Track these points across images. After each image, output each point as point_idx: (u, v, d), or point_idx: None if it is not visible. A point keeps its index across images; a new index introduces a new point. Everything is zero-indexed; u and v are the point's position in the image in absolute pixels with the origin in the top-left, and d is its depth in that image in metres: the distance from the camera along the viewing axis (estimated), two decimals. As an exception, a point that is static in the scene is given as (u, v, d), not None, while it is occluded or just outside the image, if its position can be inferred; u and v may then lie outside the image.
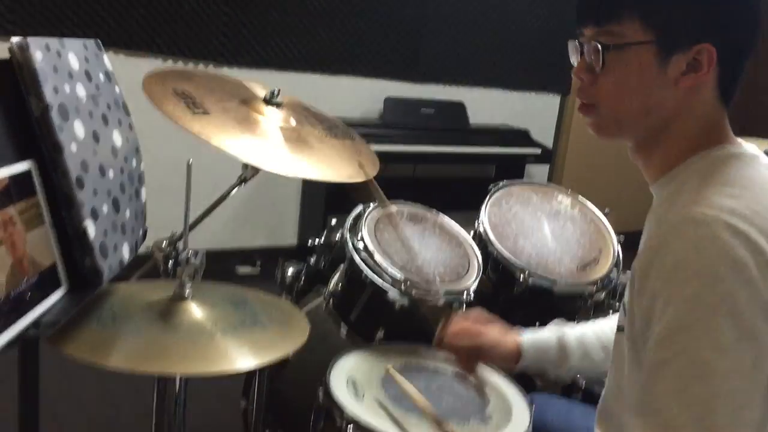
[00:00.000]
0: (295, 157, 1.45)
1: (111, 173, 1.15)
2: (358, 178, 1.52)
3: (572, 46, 1.02)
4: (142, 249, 1.42)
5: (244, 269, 3.87)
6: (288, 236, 4.10)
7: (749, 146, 0.98)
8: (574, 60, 1.02)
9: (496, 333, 1.43)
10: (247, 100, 1.54)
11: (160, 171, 3.47)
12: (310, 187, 4.02)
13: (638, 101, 0.96)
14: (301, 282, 1.79)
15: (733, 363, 0.79)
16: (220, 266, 3.77)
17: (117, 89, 1.25)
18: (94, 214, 1.07)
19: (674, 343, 0.81)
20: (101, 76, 1.19)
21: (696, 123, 0.96)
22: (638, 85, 0.95)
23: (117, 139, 1.19)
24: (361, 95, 4.12)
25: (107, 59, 1.24)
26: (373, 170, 1.58)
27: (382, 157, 1.70)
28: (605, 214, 2.02)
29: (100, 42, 1.23)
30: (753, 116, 1.00)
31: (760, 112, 4.06)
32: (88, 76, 1.14)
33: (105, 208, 1.10)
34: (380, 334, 1.65)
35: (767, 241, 0.82)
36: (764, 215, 0.84)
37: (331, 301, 1.75)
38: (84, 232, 1.04)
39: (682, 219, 0.85)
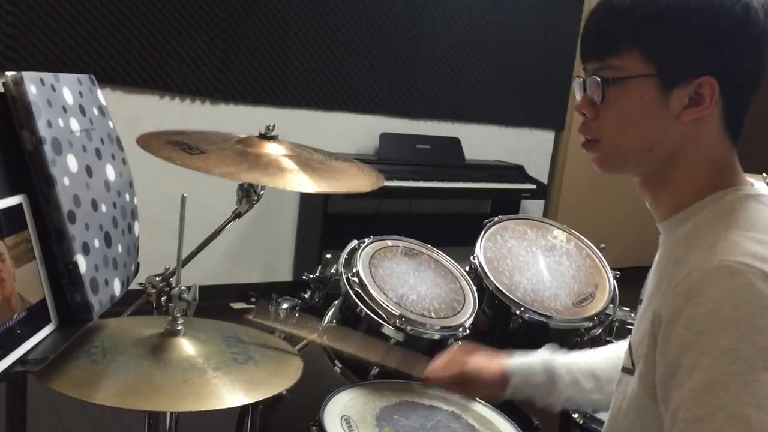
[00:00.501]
0: (307, 176, 1.46)
1: (104, 207, 1.14)
2: (369, 188, 1.55)
3: (576, 83, 1.02)
4: (135, 284, 1.41)
5: (238, 305, 3.85)
6: (283, 272, 4.09)
7: (760, 186, 0.96)
8: (579, 96, 1.02)
9: (481, 359, 1.40)
10: (242, 140, 1.55)
11: (155, 206, 3.48)
12: (305, 223, 4.02)
13: (641, 135, 0.95)
14: (295, 318, 1.77)
15: None
16: (215, 302, 3.75)
17: (111, 124, 1.25)
18: (86, 249, 1.06)
19: (712, 399, 0.77)
20: (95, 111, 1.19)
21: (703, 160, 0.95)
22: (640, 119, 0.94)
23: (110, 173, 1.19)
24: (357, 131, 4.15)
25: (101, 94, 1.25)
26: (378, 185, 1.62)
27: (378, 192, 1.70)
28: (600, 250, 2.01)
29: (93, 77, 1.23)
30: (743, 151, 0.99)
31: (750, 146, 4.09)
32: (82, 110, 1.14)
33: (96, 243, 1.09)
34: (375, 370, 1.63)
35: None
36: None
37: (324, 337, 1.73)
38: (74, 267, 1.03)
39: (714, 267, 0.82)
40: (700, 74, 0.91)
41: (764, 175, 1.81)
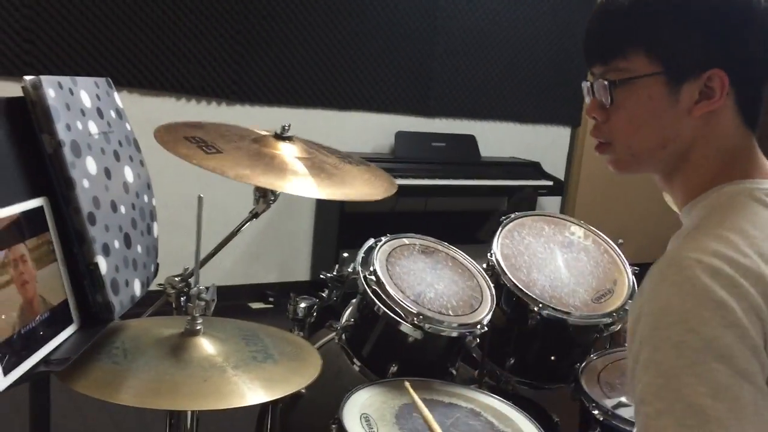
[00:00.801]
0: (320, 182, 1.48)
1: (122, 209, 1.15)
2: (381, 196, 1.57)
3: (584, 87, 1.01)
4: (154, 285, 1.42)
5: (256, 305, 3.87)
6: (301, 272, 4.10)
7: None
8: (588, 100, 1.01)
9: None
10: (258, 139, 1.56)
11: (172, 207, 3.49)
12: (322, 223, 4.03)
13: (653, 135, 0.94)
14: (314, 317, 1.78)
15: (732, 406, 0.75)
16: (233, 302, 3.77)
17: (128, 126, 1.26)
18: (106, 250, 1.07)
19: (669, 392, 0.78)
20: (113, 114, 1.21)
21: (717, 152, 0.94)
22: (651, 119, 0.93)
23: (128, 175, 1.20)
24: (373, 130, 4.15)
25: (118, 97, 1.26)
26: (390, 192, 1.64)
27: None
28: (618, 245, 2.00)
29: (110, 80, 1.24)
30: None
31: None
32: (100, 113, 1.15)
33: (116, 244, 1.11)
34: (394, 368, 1.63)
35: (754, 286, 0.79)
36: (753, 258, 0.81)
37: (343, 335, 1.74)
38: (95, 268, 1.05)
39: (667, 264, 0.83)
40: (707, 67, 0.90)
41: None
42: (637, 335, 0.84)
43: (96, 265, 1.04)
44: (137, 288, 1.16)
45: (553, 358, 1.88)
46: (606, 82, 0.95)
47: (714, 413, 0.75)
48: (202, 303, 1.16)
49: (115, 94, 1.27)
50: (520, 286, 1.80)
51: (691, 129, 0.93)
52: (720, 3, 0.89)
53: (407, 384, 1.45)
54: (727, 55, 0.90)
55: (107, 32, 3.29)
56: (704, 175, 0.95)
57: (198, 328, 1.16)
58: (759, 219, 0.87)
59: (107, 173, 1.12)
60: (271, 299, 3.88)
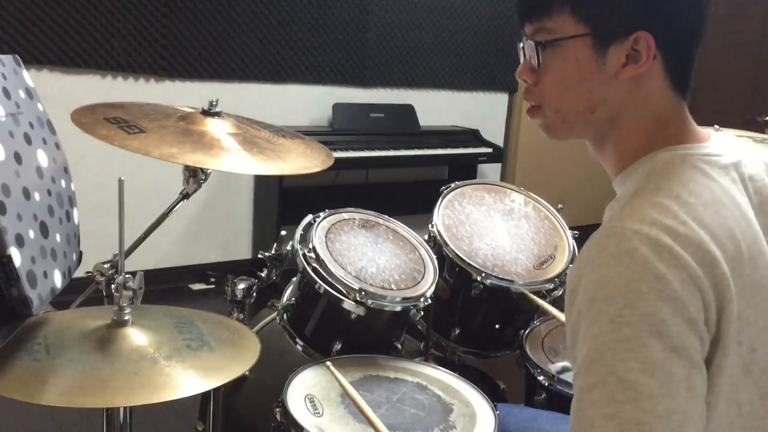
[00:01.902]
0: (252, 157, 1.43)
1: (37, 196, 1.07)
2: (318, 168, 1.53)
3: (519, 48, 0.99)
4: (83, 273, 1.35)
5: (197, 286, 3.78)
6: (242, 250, 4.02)
7: (714, 144, 0.92)
8: (522, 61, 0.99)
9: None
10: (185, 116, 1.49)
11: (103, 189, 3.37)
12: (262, 199, 3.96)
13: (581, 98, 0.92)
14: (253, 297, 1.73)
15: (664, 382, 0.75)
16: (173, 284, 3.68)
17: (40, 107, 1.18)
18: (19, 241, 0.99)
19: (602, 366, 0.77)
20: (21, 94, 1.12)
21: (647, 118, 0.92)
22: (578, 81, 0.92)
23: (42, 159, 1.12)
24: (309, 102, 4.07)
25: (28, 76, 1.17)
26: (327, 164, 1.59)
27: (334, 164, 1.66)
28: (558, 210, 2.00)
29: (18, 58, 1.15)
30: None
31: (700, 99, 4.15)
32: (6, 93, 1.07)
33: (31, 234, 1.03)
34: (337, 346, 1.60)
35: (693, 255, 0.78)
36: (691, 226, 0.80)
37: (285, 315, 1.70)
38: (8, 261, 0.97)
39: (606, 233, 0.82)
40: (634, 30, 0.88)
41: (715, 126, 1.81)
42: (575, 306, 0.82)
43: (9, 257, 0.97)
44: (57, 279, 1.09)
45: (497, 326, 1.88)
46: (534, 43, 0.93)
47: (645, 389, 0.75)
48: (130, 292, 1.10)
49: (24, 73, 1.18)
50: (463, 256, 1.78)
51: (619, 93, 0.91)
52: None
53: (329, 365, 1.42)
54: (654, 17, 0.88)
55: (20, 6, 3.10)
56: (636, 141, 0.93)
57: (126, 318, 1.10)
58: (695, 185, 0.86)
59: (17, 158, 1.04)
60: (212, 279, 3.80)
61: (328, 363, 1.43)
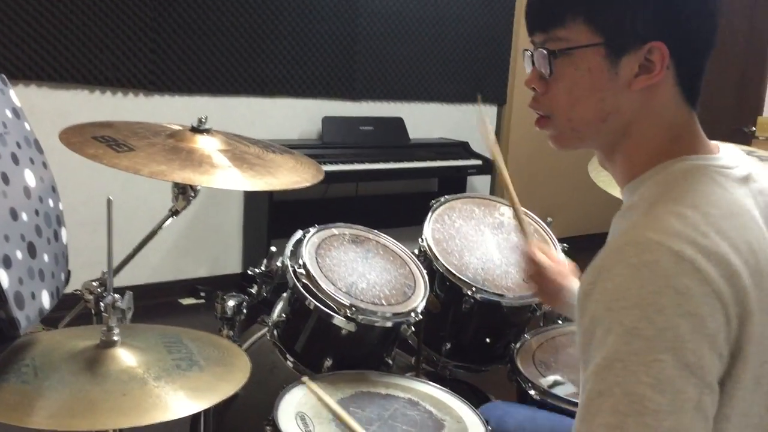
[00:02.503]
0: (242, 173, 1.43)
1: (24, 216, 1.07)
2: (308, 183, 1.54)
3: (526, 57, 0.98)
4: (72, 290, 1.34)
5: (187, 300, 3.76)
6: (232, 264, 4.00)
7: (725, 155, 0.92)
8: (528, 70, 0.98)
9: (571, 273, 1.39)
10: (174, 134, 1.49)
11: (92, 206, 3.35)
12: (252, 213, 3.95)
13: (593, 107, 0.92)
14: (243, 314, 1.72)
15: (672, 400, 0.74)
16: (163, 299, 3.66)
17: (27, 126, 1.17)
18: (7, 262, 0.99)
19: (611, 375, 0.76)
20: (8, 113, 1.12)
21: (659, 128, 0.92)
22: (590, 91, 0.91)
23: (30, 179, 1.12)
24: (299, 116, 4.07)
25: (14, 95, 1.16)
26: (317, 179, 1.60)
27: (324, 177, 1.67)
28: (548, 224, 2.01)
29: (5, 78, 1.15)
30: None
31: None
32: (-7, 113, 1.06)
33: (19, 255, 1.02)
34: (328, 362, 1.60)
35: (716, 268, 0.78)
36: (714, 238, 0.79)
37: (275, 331, 1.69)
38: (-5, 283, 0.96)
39: (625, 242, 0.81)
40: (648, 40, 0.88)
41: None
42: (588, 311, 0.82)
43: (-4, 279, 0.96)
44: (45, 300, 1.08)
45: (488, 340, 1.88)
46: (545, 52, 0.92)
47: (652, 405, 0.74)
48: (118, 312, 1.09)
49: (11, 92, 1.18)
50: (453, 271, 1.78)
51: (631, 103, 0.91)
52: None
53: (307, 380, 1.42)
54: (669, 27, 0.88)
55: (7, 21, 3.09)
56: (647, 150, 0.93)
57: (115, 338, 1.09)
58: (714, 197, 0.85)
59: (4, 178, 1.04)
60: (202, 294, 3.78)
61: (305, 379, 1.42)
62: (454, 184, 4.31)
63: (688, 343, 0.75)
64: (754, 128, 4.15)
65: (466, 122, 4.76)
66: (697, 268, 0.77)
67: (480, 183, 4.82)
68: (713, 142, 0.95)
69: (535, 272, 1.40)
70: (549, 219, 2.02)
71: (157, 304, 3.56)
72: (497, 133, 4.98)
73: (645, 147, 0.93)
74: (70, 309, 1.60)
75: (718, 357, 0.77)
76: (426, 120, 4.57)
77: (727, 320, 0.78)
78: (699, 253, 0.78)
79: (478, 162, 4.35)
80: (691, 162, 0.90)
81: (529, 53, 0.97)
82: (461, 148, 4.40)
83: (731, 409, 0.81)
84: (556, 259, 1.44)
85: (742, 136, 4.24)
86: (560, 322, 1.94)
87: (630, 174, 0.95)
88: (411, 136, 4.30)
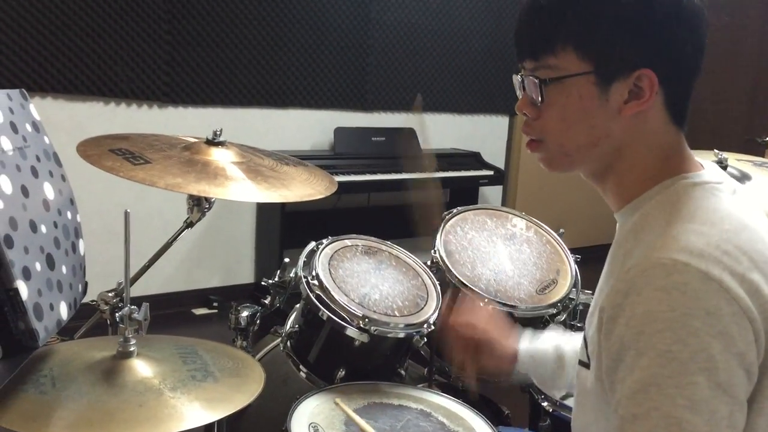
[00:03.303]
0: (256, 185, 1.45)
1: (43, 228, 1.08)
2: (321, 195, 1.55)
3: (515, 81, 1.00)
4: (88, 301, 1.36)
5: (200, 311, 3.78)
6: (245, 274, 4.02)
7: (711, 171, 0.94)
8: (519, 94, 1.00)
9: (499, 331, 1.35)
10: (189, 146, 1.51)
11: (108, 216, 3.38)
12: (264, 224, 3.97)
13: (584, 133, 0.94)
14: (257, 325, 1.73)
15: (708, 420, 0.76)
16: (176, 309, 3.68)
17: (46, 139, 1.19)
18: (26, 274, 1.00)
19: (647, 399, 0.78)
20: (28, 127, 1.13)
21: (650, 150, 0.94)
22: (581, 118, 0.93)
23: (49, 191, 1.13)
24: (311, 127, 4.10)
25: (34, 109, 1.19)
26: (330, 191, 1.61)
27: (336, 188, 1.68)
28: (559, 234, 2.01)
29: (25, 92, 1.17)
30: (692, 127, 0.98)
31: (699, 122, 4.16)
32: (14, 128, 1.08)
33: (38, 266, 1.04)
34: (341, 373, 1.60)
35: (741, 285, 0.79)
36: (735, 255, 0.81)
37: (288, 342, 1.70)
38: (15, 294, 0.98)
39: (651, 264, 0.81)
40: (637, 67, 0.89)
41: (716, 151, 1.82)
42: (615, 334, 0.82)
43: (16, 290, 0.98)
44: (63, 311, 1.10)
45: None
46: (536, 80, 0.93)
47: (689, 427, 0.76)
48: (135, 323, 1.10)
49: (31, 106, 1.20)
50: (465, 282, 1.78)
51: (621, 128, 0.93)
52: (652, 3, 0.88)
53: (338, 401, 1.42)
54: (657, 55, 0.89)
55: (26, 36, 3.13)
56: (641, 173, 0.94)
57: (131, 349, 1.10)
58: (724, 212, 0.87)
59: (24, 191, 1.05)
60: (215, 304, 3.80)
61: (338, 400, 1.43)
62: (466, 194, 4.32)
63: (720, 363, 0.77)
64: (767, 138, 4.13)
65: (478, 133, 4.77)
66: (726, 287, 0.78)
67: (492, 193, 4.82)
68: (697, 159, 0.97)
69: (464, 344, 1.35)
70: (561, 230, 2.03)
71: (170, 314, 3.58)
72: (509, 143, 4.99)
73: (637, 169, 0.95)
74: (85, 319, 1.62)
75: (746, 374, 0.79)
76: (438, 130, 4.58)
77: (756, 335, 0.79)
78: (725, 271, 0.79)
79: (490, 172, 4.35)
80: (690, 180, 0.92)
81: (519, 78, 0.98)
82: (473, 159, 4.41)
83: (764, 417, 0.82)
84: (483, 315, 1.40)
85: (755, 147, 4.22)
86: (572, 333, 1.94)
87: (623, 196, 0.97)
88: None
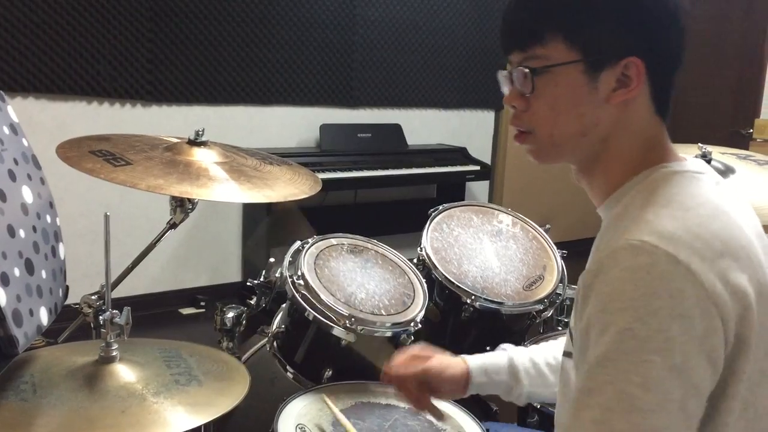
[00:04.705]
0: (240, 185, 1.44)
1: (22, 233, 1.07)
2: (305, 194, 1.55)
3: (502, 76, 0.99)
4: (70, 303, 1.34)
5: (187, 310, 3.76)
6: (232, 273, 4.00)
7: (693, 162, 0.95)
8: (506, 89, 0.99)
9: (443, 359, 1.37)
10: (171, 147, 1.49)
11: (93, 217, 3.36)
12: (251, 222, 3.95)
13: (573, 122, 0.94)
14: (243, 325, 1.72)
15: (659, 400, 0.76)
16: (163, 309, 3.66)
17: (25, 142, 1.17)
18: (5, 280, 0.99)
19: (603, 373, 0.79)
20: (6, 130, 1.12)
21: (634, 140, 0.95)
22: (571, 106, 0.93)
23: (27, 195, 1.12)
24: (297, 124, 4.08)
25: (12, 111, 1.17)
26: (315, 190, 1.61)
27: (322, 185, 1.67)
28: (546, 230, 2.01)
29: (3, 93, 1.15)
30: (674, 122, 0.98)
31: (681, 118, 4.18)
32: (-10, 131, 1.07)
33: (17, 272, 1.02)
34: (328, 373, 1.59)
35: (710, 269, 0.79)
36: (706, 238, 0.82)
37: (274, 342, 1.69)
38: (-7, 301, 0.96)
39: (621, 246, 0.82)
40: (625, 55, 0.90)
41: (700, 145, 1.83)
42: (585, 313, 0.84)
43: (-6, 297, 0.96)
44: (44, 316, 1.08)
45: (488, 348, 1.87)
46: (527, 70, 0.93)
47: (640, 404, 0.76)
48: (117, 327, 1.09)
49: (9, 108, 1.18)
50: (452, 279, 1.78)
51: (609, 116, 0.93)
52: None
53: (325, 398, 1.41)
54: (644, 43, 0.90)
55: (7, 35, 3.09)
56: (625, 163, 0.95)
57: (113, 354, 1.09)
58: (701, 198, 0.88)
59: (2, 195, 1.04)
60: (202, 303, 3.78)
61: (326, 400, 1.42)
62: (452, 189, 4.32)
63: (678, 345, 0.77)
64: (751, 130, 4.16)
65: (464, 128, 4.77)
66: (693, 271, 0.79)
67: (479, 188, 4.82)
68: (679, 153, 0.98)
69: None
70: (547, 226, 2.03)
71: (157, 314, 3.56)
72: (495, 138, 4.99)
73: (622, 159, 0.95)
74: (69, 322, 1.60)
75: (707, 360, 0.79)
76: (424, 126, 4.57)
77: (724, 321, 0.79)
78: (695, 255, 0.79)
79: (476, 167, 4.35)
80: (671, 168, 0.93)
81: (505, 73, 0.98)
82: (459, 154, 4.41)
83: (735, 401, 0.82)
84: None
85: (740, 139, 4.25)
86: (560, 328, 1.95)
87: (608, 187, 0.97)
88: (409, 143, 4.30)
